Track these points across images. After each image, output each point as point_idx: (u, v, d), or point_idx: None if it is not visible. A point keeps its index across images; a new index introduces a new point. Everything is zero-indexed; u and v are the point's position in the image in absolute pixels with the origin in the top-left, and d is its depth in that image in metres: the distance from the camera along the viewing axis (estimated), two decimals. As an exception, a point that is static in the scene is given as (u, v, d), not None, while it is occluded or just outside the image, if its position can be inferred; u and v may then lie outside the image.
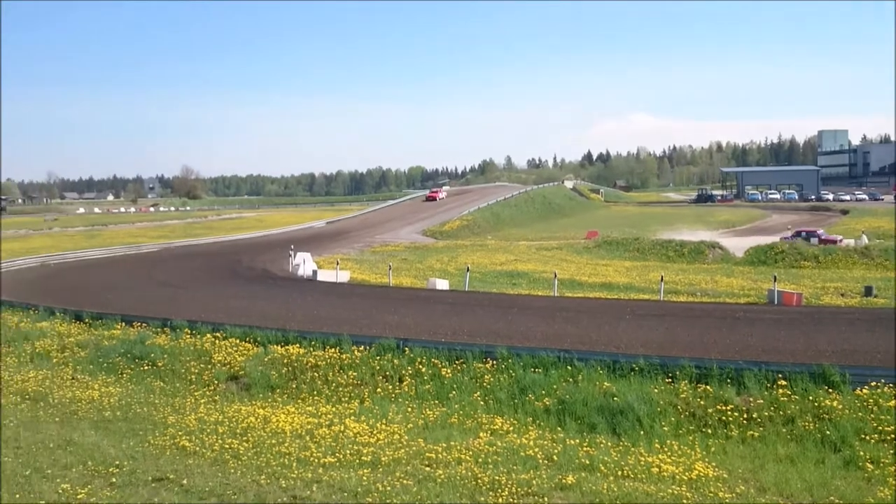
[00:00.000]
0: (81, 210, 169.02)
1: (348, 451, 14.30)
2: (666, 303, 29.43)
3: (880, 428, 14.46)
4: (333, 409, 17.45)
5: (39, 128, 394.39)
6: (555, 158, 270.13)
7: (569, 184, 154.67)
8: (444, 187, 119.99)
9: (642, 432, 15.13)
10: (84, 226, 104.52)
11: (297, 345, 20.87)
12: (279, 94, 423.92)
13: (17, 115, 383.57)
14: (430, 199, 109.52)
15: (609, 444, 14.63)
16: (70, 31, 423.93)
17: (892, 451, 13.87)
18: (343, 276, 38.12)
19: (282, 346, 20.86)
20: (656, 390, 16.45)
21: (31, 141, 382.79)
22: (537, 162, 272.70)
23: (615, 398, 16.22)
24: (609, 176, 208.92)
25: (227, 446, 14.79)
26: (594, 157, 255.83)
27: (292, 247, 48.06)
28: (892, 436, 14.20)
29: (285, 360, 20.09)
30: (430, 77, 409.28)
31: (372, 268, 43.65)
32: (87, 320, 26.16)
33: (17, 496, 12.40)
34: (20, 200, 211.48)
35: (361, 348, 20.12)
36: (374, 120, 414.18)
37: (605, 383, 16.90)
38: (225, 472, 13.49)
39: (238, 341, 21.76)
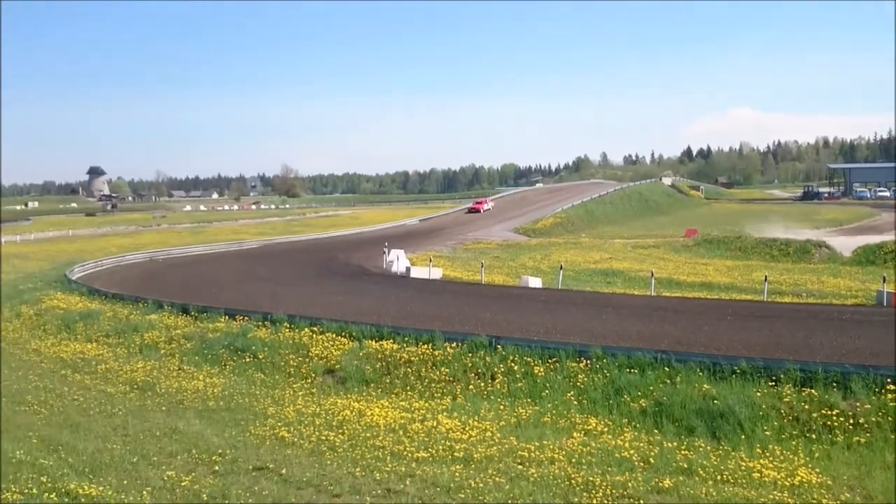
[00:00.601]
0: (188, 207, 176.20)
1: (441, 447, 14.41)
2: (770, 303, 28.39)
3: None
4: (426, 404, 17.63)
5: (149, 129, 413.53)
6: (652, 154, 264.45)
7: (667, 180, 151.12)
8: (490, 198, 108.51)
9: (743, 436, 14.64)
10: (190, 222, 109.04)
11: (391, 340, 21.16)
12: (377, 93, 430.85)
13: (128, 116, 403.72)
14: (474, 210, 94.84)
15: (708, 447, 14.22)
16: (174, 33, 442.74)
17: None
18: (436, 273, 38.41)
19: (376, 342, 21.20)
20: (758, 394, 15.88)
21: (141, 141, 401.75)
22: (634, 158, 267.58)
23: (715, 401, 15.75)
24: (710, 172, 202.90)
25: (323, 438, 15.15)
26: (694, 153, 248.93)
27: (386, 244, 48.80)
28: None
29: (379, 355, 20.42)
30: (526, 73, 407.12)
31: (464, 265, 43.83)
32: (192, 313, 27.27)
33: (125, 482, 13.04)
34: (131, 198, 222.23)
35: (454, 345, 20.22)
36: (468, 117, 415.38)
37: (705, 385, 16.42)
38: (322, 463, 13.83)
39: (334, 336, 22.24)
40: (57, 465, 14.04)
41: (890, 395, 15.09)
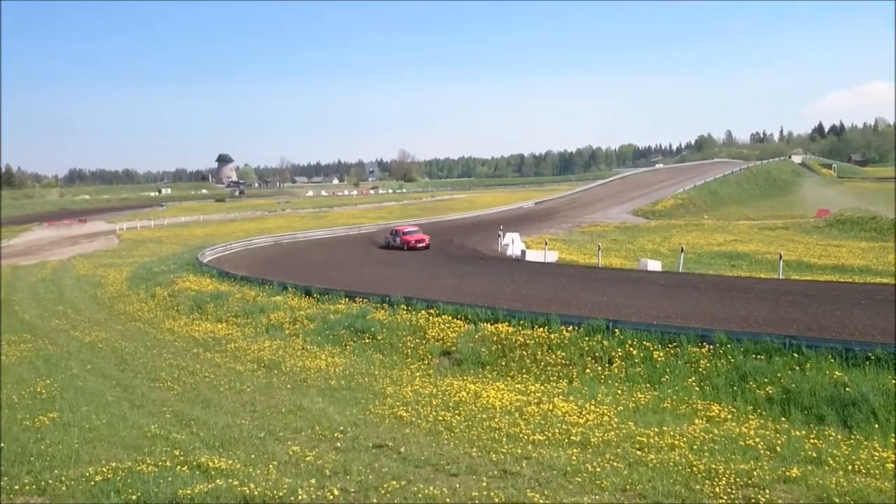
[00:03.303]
0: (310, 193, 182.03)
1: (557, 430, 14.35)
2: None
3: None
4: (542, 387, 17.58)
5: (273, 118, 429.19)
6: (781, 132, 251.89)
7: (797, 158, 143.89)
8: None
9: (877, 426, 13.84)
10: (312, 207, 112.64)
11: (507, 323, 21.20)
12: (491, 77, 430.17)
13: (254, 106, 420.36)
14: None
15: (839, 436, 13.53)
16: (292, 25, 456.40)
17: None
18: (551, 256, 38.13)
19: (491, 324, 21.30)
20: (894, 381, 14.97)
21: (266, 130, 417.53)
22: (761, 136, 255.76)
23: (847, 388, 14.96)
24: (843, 150, 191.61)
25: (440, 418, 15.38)
26: (825, 130, 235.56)
27: (501, 227, 48.82)
28: None
29: (495, 338, 20.49)
30: (643, 49, 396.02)
31: (580, 248, 43.32)
32: (315, 295, 28.22)
33: (252, 456, 13.67)
34: (256, 184, 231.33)
35: (570, 328, 20.04)
36: (586, 97, 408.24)
37: (836, 372, 15.61)
38: (439, 442, 14.04)
39: (450, 318, 22.50)
40: (189, 439, 14.90)
41: None
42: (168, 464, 13.20)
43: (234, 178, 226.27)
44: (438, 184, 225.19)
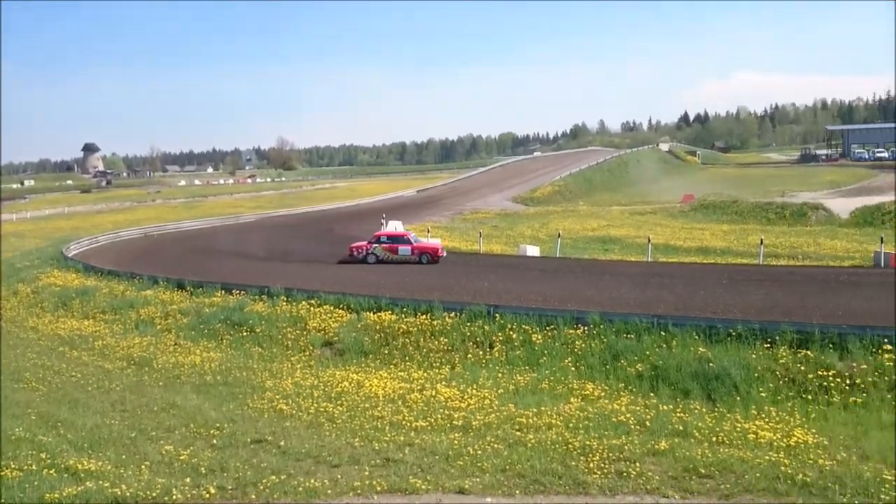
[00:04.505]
0: (182, 182, 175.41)
1: (440, 416, 14.52)
2: (766, 267, 28.44)
3: None
4: (425, 374, 17.73)
5: (142, 104, 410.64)
6: (650, 121, 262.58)
7: (664, 146, 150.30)
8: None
9: (738, 398, 14.76)
10: (185, 197, 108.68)
11: (389, 311, 21.20)
12: (373, 65, 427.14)
13: (122, 92, 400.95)
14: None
15: (704, 409, 14.34)
16: (165, 7, 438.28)
17: None
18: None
19: (374, 313, 21.24)
20: (754, 356, 15.98)
21: (134, 116, 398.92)
22: (631, 125, 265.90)
23: (711, 364, 15.86)
24: (707, 137, 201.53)
25: (322, 410, 15.24)
26: (691, 119, 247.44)
27: (384, 215, 48.66)
28: None
29: (377, 327, 20.46)
30: (520, 41, 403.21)
31: (462, 235, 43.74)
32: (188, 288, 27.26)
33: (124, 457, 13.11)
34: (125, 174, 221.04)
35: (452, 315, 20.28)
36: (467, 87, 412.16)
37: (701, 349, 16.52)
38: (320, 434, 13.91)
39: (332, 308, 22.28)
40: (56, 442, 14.14)
41: (887, 356, 15.18)
42: (34, 467, 12.50)
43: (101, 168, 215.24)
44: (319, 172, 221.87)
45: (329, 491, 11.15)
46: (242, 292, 25.41)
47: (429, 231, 40.45)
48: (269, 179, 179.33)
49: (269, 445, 13.39)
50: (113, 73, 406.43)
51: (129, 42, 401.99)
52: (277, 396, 16.39)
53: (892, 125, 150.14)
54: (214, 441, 13.78)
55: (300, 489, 11.19)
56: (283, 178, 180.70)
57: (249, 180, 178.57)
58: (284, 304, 23.42)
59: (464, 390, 16.05)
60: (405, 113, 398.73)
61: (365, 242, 32.93)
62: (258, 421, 14.96)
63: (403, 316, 20.76)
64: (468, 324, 19.75)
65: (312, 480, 11.49)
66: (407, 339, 19.77)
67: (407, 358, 19.01)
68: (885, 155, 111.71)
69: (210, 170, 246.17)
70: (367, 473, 11.75)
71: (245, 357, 20.28)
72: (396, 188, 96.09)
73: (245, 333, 22.06)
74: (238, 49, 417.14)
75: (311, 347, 20.53)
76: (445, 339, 19.38)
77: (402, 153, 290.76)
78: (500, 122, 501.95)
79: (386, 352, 19.54)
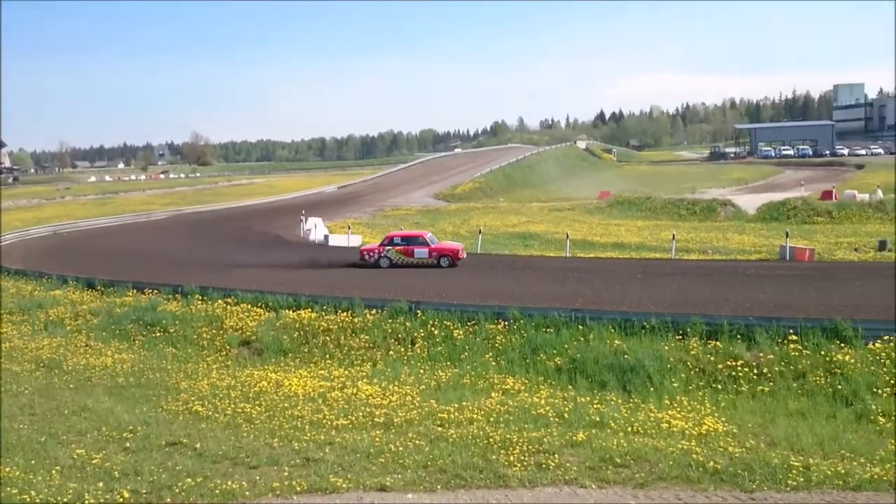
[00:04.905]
0: (93, 178, 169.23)
1: (361, 413, 14.45)
2: (677, 261, 29.31)
3: (893, 381, 14.44)
4: (346, 372, 17.61)
5: (50, 97, 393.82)
6: (567, 119, 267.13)
7: (581, 144, 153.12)
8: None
9: (652, 389, 15.20)
10: (95, 194, 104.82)
11: (309, 309, 20.96)
12: (290, 57, 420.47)
13: (27, 83, 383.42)
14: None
15: (619, 400, 14.70)
16: None
17: (905, 405, 13.85)
18: (355, 241, 38.08)
19: (293, 311, 20.96)
20: (667, 347, 16.47)
21: (42, 110, 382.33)
22: (549, 122, 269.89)
23: (626, 356, 16.28)
24: (622, 135, 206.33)
25: (239, 410, 14.96)
26: (607, 117, 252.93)
27: (303, 212, 48.06)
28: (906, 389, 14.17)
29: (297, 325, 20.20)
30: (440, 37, 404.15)
31: (384, 231, 43.45)
32: (99, 288, 26.33)
33: (33, 462, 12.58)
34: (33, 170, 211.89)
35: (374, 312, 20.20)
36: (385, 82, 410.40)
37: (616, 341, 16.94)
38: (238, 435, 13.65)
39: (249, 307, 21.88)
40: (-40, 448, 13.44)
41: (792, 346, 15.89)
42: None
43: (7, 164, 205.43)
44: (236, 167, 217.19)
45: (247, 493, 10.98)
46: (155, 291, 24.67)
47: (350, 228, 40.14)
48: (182, 175, 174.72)
49: (185, 448, 13.05)
50: (19, 67, 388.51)
51: (34, 35, 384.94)
52: (193, 398, 15.98)
53: (797, 124, 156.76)
54: (128, 444, 13.36)
55: (217, 491, 10.97)
56: (198, 174, 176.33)
57: (162, 176, 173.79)
58: (199, 302, 22.87)
59: (385, 387, 16.02)
60: (323, 108, 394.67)
61: (376, 245, 30.00)
62: (173, 423, 14.57)
63: (324, 314, 20.56)
64: (390, 321, 19.71)
65: (230, 482, 11.27)
66: (327, 337, 19.58)
67: (327, 356, 18.84)
68: (791, 152, 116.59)
69: (121, 165, 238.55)
70: (286, 474, 11.59)
71: (158, 358, 19.71)
72: (316, 184, 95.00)
73: (158, 334, 21.45)
74: (149, 41, 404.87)
75: (227, 347, 20.11)
76: (367, 337, 19.30)
77: (321, 149, 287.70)
78: (420, 119, 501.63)
79: (306, 350, 19.32)
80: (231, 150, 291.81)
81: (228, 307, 22.10)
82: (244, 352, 19.89)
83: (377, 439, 12.97)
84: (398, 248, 29.02)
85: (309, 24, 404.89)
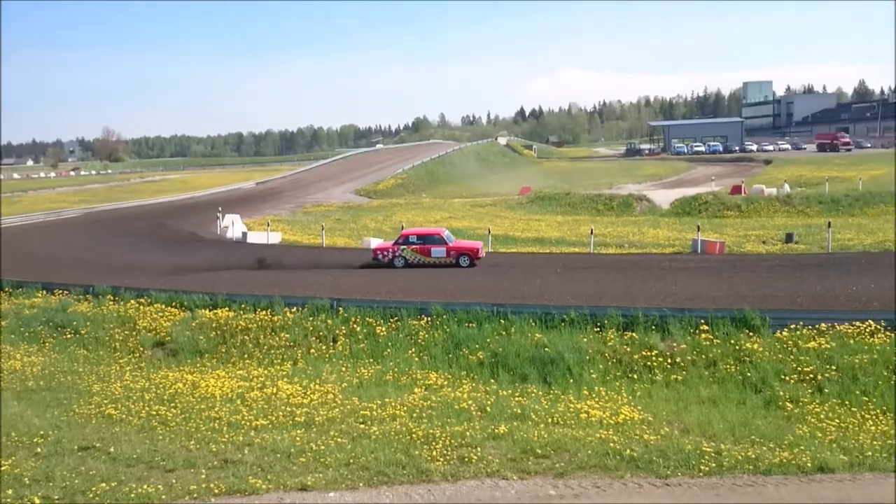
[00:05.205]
0: (0, 176, 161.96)
1: (281, 413, 14.27)
2: (596, 255, 29.89)
3: (799, 368, 15.07)
4: (265, 371, 17.35)
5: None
6: (488, 115, 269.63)
7: (502, 140, 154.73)
8: None
9: (572, 380, 15.49)
10: (3, 192, 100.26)
11: (227, 308, 20.51)
12: (205, 51, 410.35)
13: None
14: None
15: (540, 393, 14.93)
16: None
17: (810, 391, 14.50)
18: (274, 238, 37.53)
19: (210, 310, 20.49)
20: (585, 340, 16.80)
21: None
22: (471, 119, 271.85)
23: (546, 349, 16.53)
24: (542, 132, 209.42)
25: (154, 413, 14.57)
26: (527, 114, 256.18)
27: (220, 209, 47.03)
28: (811, 376, 14.82)
29: (214, 325, 19.76)
30: (361, 33, 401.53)
31: (304, 228, 43.07)
32: (6, 289, 25.19)
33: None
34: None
35: (294, 310, 19.93)
36: (305, 77, 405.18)
37: (537, 335, 17.17)
38: (153, 438, 13.29)
39: (164, 307, 21.28)
40: None
41: (704, 336, 16.42)
42: None
43: None
44: (149, 163, 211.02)
45: (163, 496, 10.74)
46: (65, 292, 23.75)
47: (269, 224, 39.52)
48: (94, 172, 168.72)
49: (98, 452, 12.64)
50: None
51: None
52: (105, 401, 15.47)
53: (708, 121, 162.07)
54: (38, 450, 12.85)
55: (132, 496, 10.70)
56: (110, 171, 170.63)
57: (73, 173, 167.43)
58: (111, 303, 22.13)
59: (306, 386, 15.84)
60: (240, 103, 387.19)
61: (390, 244, 28.27)
62: (85, 427, 14.08)
63: (242, 312, 20.17)
64: (311, 318, 19.48)
65: (145, 486, 11.00)
66: (246, 337, 19.22)
67: (246, 356, 18.50)
68: (702, 149, 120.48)
69: (30, 162, 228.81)
70: (203, 476, 11.35)
71: (70, 361, 18.99)
72: (234, 180, 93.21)
73: (69, 336, 20.66)
74: (59, 36, 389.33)
75: (141, 348, 19.54)
76: (287, 335, 19.03)
77: (238, 144, 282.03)
78: (341, 114, 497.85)
79: (223, 350, 18.92)
80: (144, 145, 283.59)
81: (142, 307, 21.46)
82: (158, 353, 19.35)
83: (298, 439, 12.83)
84: (414, 246, 27.40)
85: (223, 18, 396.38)
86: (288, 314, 19.76)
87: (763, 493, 10.59)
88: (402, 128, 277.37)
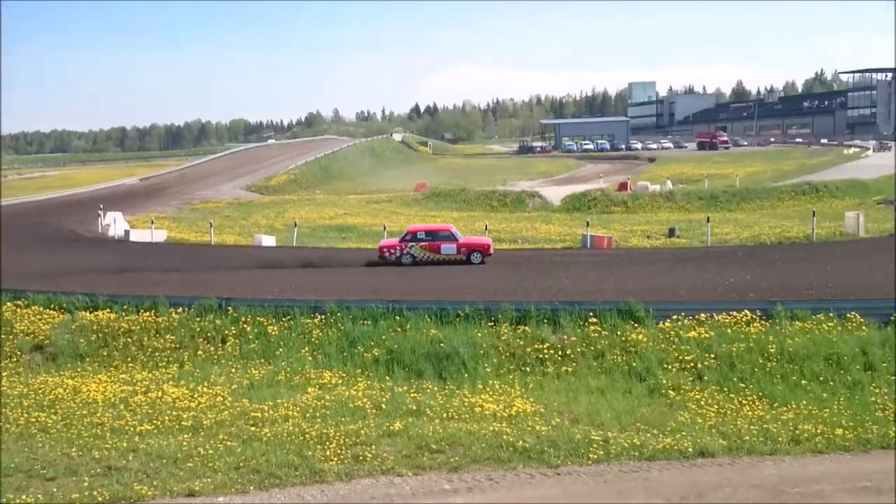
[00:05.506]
0: None
1: (167, 417, 13.82)
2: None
3: (681, 357, 15.76)
4: (150, 374, 16.73)
5: None
6: (383, 111, 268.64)
7: (398, 136, 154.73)
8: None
9: (466, 375, 15.66)
10: None
11: (108, 310, 19.58)
12: (82, 40, 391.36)
13: None
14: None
15: (435, 388, 15.03)
16: None
17: (691, 379, 15.18)
18: (159, 236, 36.19)
19: (90, 312, 19.51)
20: (480, 334, 17.01)
21: None
22: (366, 115, 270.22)
23: (442, 344, 16.64)
24: (437, 129, 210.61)
25: (33, 420, 13.87)
26: (422, 110, 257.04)
27: (101, 206, 44.97)
28: (692, 364, 15.52)
29: (95, 327, 18.85)
30: (251, 25, 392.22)
31: (192, 226, 41.76)
32: None
33: None
34: None
35: (180, 310, 19.24)
36: (192, 69, 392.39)
37: (433, 330, 17.26)
38: (32, 446, 12.64)
39: (42, 309, 20.12)
40: None
41: (592, 328, 16.92)
42: None
43: None
44: (27, 160, 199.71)
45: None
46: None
47: (153, 222, 38.09)
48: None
49: (-28, 463, 11.88)
50: None
51: None
52: (-22, 410, 14.55)
53: (596, 120, 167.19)
54: None
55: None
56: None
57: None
58: (-16, 306, 20.79)
59: (194, 389, 15.36)
60: (123, 95, 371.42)
61: (396, 241, 27.08)
62: (-43, 437, 13.20)
63: (124, 314, 19.31)
64: (198, 319, 18.85)
65: (24, 496, 10.49)
66: (129, 339, 18.45)
67: (129, 359, 17.75)
68: (591, 147, 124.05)
69: None
70: (86, 484, 10.87)
71: (-64, 369, 17.74)
72: (117, 176, 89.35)
73: (-65, 342, 19.27)
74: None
75: (18, 353, 18.43)
76: (173, 337, 18.37)
77: (122, 138, 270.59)
78: (231, 109, 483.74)
79: (105, 353, 18.10)
80: (22, 140, 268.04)
81: (18, 310, 20.23)
82: (37, 357, 18.33)
83: (185, 443, 12.44)
84: (423, 243, 26.36)
85: (99, 6, 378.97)
86: (174, 315, 19.07)
87: (648, 478, 11.02)
88: (294, 123, 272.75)
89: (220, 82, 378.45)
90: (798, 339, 16.04)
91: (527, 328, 17.06)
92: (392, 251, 26.58)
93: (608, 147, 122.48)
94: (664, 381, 14.99)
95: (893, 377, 14.86)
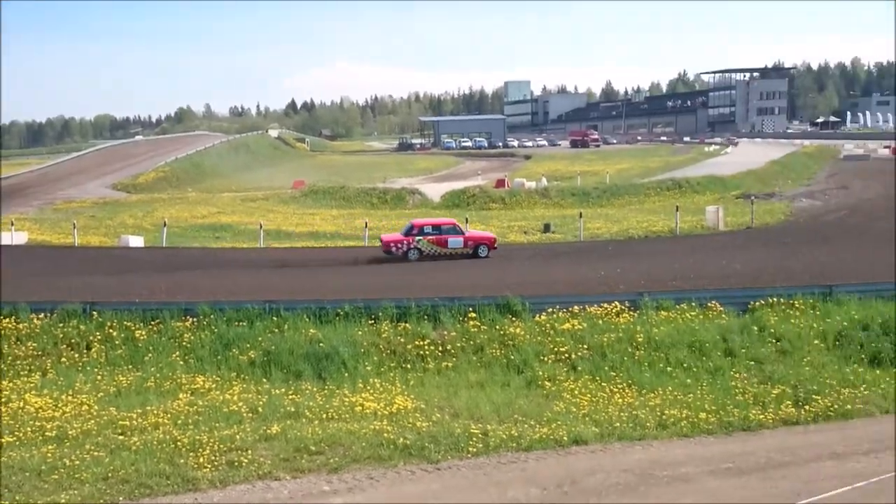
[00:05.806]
0: None
1: (29, 429, 13.05)
2: (371, 248, 30.14)
3: (556, 349, 16.23)
4: (10, 384, 15.68)
5: None
6: (258, 107, 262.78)
7: (273, 133, 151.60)
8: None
9: (347, 374, 15.53)
10: None
11: (-39, 317, 18.22)
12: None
13: None
14: None
15: (315, 389, 14.83)
16: None
17: (566, 370, 15.65)
18: (20, 238, 34.01)
19: (-59, 320, 18.10)
20: (360, 333, 16.90)
21: None
22: (240, 110, 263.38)
23: (321, 344, 16.43)
24: (314, 125, 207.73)
25: None
26: (299, 106, 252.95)
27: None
28: (566, 355, 16.00)
29: (-54, 335, 17.50)
30: (115, 14, 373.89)
31: (54, 227, 39.46)
32: None
33: None
34: None
35: (42, 316, 18.10)
36: (53, 62, 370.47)
37: (312, 330, 17.00)
38: None
39: None
40: None
41: (472, 322, 17.16)
42: None
43: None
44: None
45: None
46: None
47: (13, 224, 35.73)
48: None
49: None
50: None
51: None
52: None
53: (474, 117, 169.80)
54: None
55: None
56: None
57: None
58: None
59: (58, 398, 14.50)
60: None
61: (401, 235, 26.59)
62: None
63: (-22, 321, 18.02)
64: (60, 325, 17.79)
65: None
66: (-16, 348, 17.23)
67: (-14, 368, 16.59)
68: (469, 144, 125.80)
69: None
70: (-61, 504, 10.06)
71: None
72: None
73: None
74: None
75: None
76: (34, 344, 17.25)
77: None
78: (95, 104, 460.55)
79: (-42, 364, 16.84)
80: None
81: None
82: None
83: (49, 455, 11.74)
84: (430, 237, 25.98)
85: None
86: (35, 321, 17.92)
87: (525, 468, 11.29)
88: (163, 118, 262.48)
89: (83, 77, 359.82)
90: (663, 328, 16.86)
91: (407, 325, 17.09)
92: (399, 246, 26.20)
93: (486, 145, 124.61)
94: (541, 373, 15.39)
95: (752, 362, 15.84)
